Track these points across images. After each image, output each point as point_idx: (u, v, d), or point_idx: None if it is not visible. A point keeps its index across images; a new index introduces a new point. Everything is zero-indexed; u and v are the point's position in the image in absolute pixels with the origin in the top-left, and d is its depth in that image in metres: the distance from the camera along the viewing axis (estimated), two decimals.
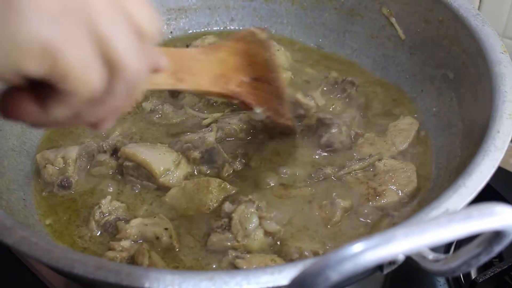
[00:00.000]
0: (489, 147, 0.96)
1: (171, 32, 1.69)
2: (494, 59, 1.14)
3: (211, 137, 1.25)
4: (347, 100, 1.40)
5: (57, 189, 1.20)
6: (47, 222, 1.16)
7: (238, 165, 1.24)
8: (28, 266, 1.30)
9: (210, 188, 1.16)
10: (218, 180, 1.18)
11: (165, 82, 0.87)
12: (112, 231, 1.12)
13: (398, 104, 1.40)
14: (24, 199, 1.19)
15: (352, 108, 1.38)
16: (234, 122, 1.30)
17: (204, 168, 1.23)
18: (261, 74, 1.13)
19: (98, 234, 1.12)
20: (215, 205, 1.14)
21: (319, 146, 1.26)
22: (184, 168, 1.22)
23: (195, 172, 1.23)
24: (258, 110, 1.09)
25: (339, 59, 1.56)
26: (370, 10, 1.53)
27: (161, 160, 1.19)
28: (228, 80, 1.00)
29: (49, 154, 1.23)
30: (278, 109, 1.17)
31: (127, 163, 1.20)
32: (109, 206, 1.14)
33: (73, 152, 1.23)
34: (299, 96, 1.32)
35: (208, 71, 0.94)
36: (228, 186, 1.17)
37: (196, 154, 1.23)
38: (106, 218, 1.12)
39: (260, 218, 1.07)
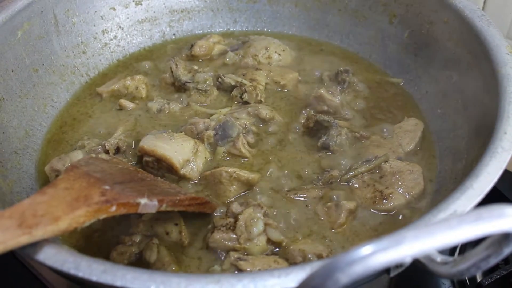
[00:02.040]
0: (496, 149, 0.95)
1: (174, 34, 1.69)
2: (500, 60, 1.13)
3: (220, 115, 1.29)
4: (348, 90, 1.42)
5: None
6: None
7: (251, 137, 1.27)
8: (31, 269, 1.29)
9: (223, 180, 1.16)
10: (230, 170, 1.17)
11: (14, 238, 0.77)
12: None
13: (403, 105, 1.40)
14: None
15: (358, 98, 1.40)
16: (243, 117, 1.32)
17: (219, 148, 1.24)
18: (125, 177, 1.04)
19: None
20: (231, 195, 1.16)
21: (318, 148, 1.26)
22: (202, 155, 1.22)
23: (211, 155, 1.24)
24: (143, 201, 0.95)
25: (344, 58, 1.57)
26: (374, 11, 1.53)
27: (180, 152, 1.19)
28: (88, 197, 0.88)
29: (56, 164, 1.22)
30: (170, 194, 1.05)
31: (146, 158, 1.20)
32: None
33: (78, 157, 1.22)
34: (324, 92, 1.33)
35: (57, 203, 0.84)
36: (242, 175, 1.16)
37: (209, 132, 1.24)
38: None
39: (265, 224, 1.07)
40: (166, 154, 1.17)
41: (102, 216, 0.88)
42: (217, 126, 1.25)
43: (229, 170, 1.16)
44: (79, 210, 0.85)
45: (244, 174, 1.16)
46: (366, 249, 0.59)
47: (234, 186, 1.16)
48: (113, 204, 0.90)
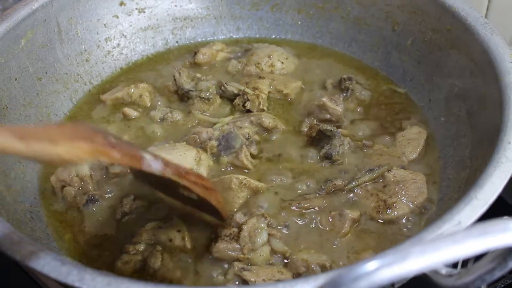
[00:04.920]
0: (500, 158, 0.95)
1: (177, 41, 1.69)
2: (503, 68, 1.13)
3: (224, 125, 1.29)
4: (351, 98, 1.42)
5: (86, 207, 1.19)
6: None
7: (254, 149, 1.27)
8: (35, 279, 1.29)
9: (233, 186, 1.16)
10: (240, 177, 1.17)
11: (9, 142, 0.74)
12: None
13: (406, 113, 1.39)
14: (31, 212, 1.18)
15: (360, 106, 1.40)
16: (246, 125, 1.32)
17: (222, 158, 1.25)
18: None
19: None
20: (240, 201, 1.16)
21: (321, 158, 1.26)
22: (206, 163, 1.23)
23: (214, 164, 1.25)
24: (147, 156, 0.91)
25: (347, 66, 1.56)
26: (377, 19, 1.53)
27: (183, 161, 1.19)
28: (92, 136, 0.85)
29: (62, 174, 1.22)
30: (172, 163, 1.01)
31: None
32: (133, 204, 1.16)
33: (84, 167, 1.22)
34: (326, 100, 1.33)
35: (60, 135, 0.81)
36: (252, 182, 1.16)
37: (212, 142, 1.25)
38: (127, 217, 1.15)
39: (269, 235, 1.07)
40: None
41: (104, 159, 0.85)
42: (221, 137, 1.25)
43: (240, 177, 1.16)
44: (81, 142, 0.81)
45: (254, 182, 1.16)
46: (371, 265, 0.59)
47: (244, 193, 1.16)
48: (116, 148, 0.86)
